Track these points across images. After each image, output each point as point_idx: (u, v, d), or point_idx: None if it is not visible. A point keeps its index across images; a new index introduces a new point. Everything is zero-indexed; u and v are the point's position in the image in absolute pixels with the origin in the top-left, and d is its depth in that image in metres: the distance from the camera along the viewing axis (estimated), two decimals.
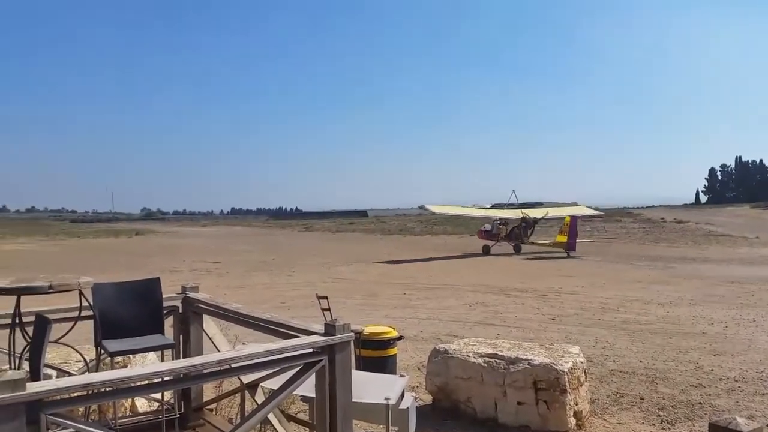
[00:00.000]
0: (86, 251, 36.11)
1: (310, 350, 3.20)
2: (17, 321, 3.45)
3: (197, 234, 61.47)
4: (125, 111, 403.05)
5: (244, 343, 5.27)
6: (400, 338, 6.14)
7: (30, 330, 3.34)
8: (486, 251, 29.71)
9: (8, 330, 3.50)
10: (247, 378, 3.91)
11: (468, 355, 5.73)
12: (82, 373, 4.28)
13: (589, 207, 39.86)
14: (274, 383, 3.54)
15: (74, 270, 19.26)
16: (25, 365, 3.28)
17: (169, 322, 4.59)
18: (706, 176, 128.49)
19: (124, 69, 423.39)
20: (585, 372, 5.73)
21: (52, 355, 4.83)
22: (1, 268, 23.30)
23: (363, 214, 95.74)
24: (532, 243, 30.21)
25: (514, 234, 30.57)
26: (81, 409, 4.04)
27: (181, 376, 3.07)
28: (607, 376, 7.23)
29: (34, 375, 2.94)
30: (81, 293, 3.70)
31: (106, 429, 3.71)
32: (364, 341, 5.72)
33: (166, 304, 4.46)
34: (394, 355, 6.02)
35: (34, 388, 2.27)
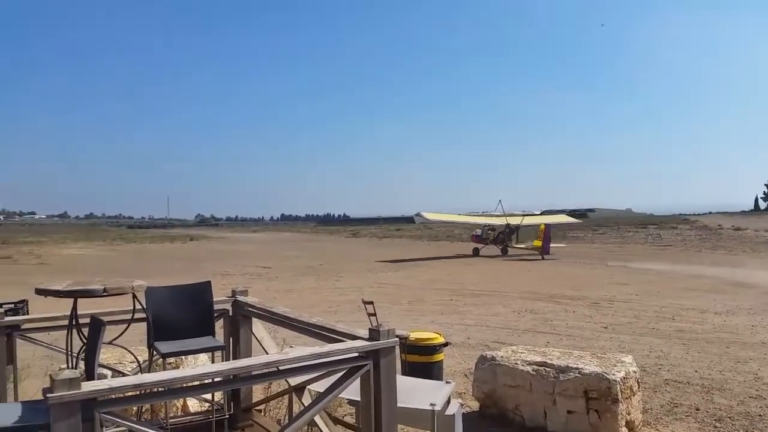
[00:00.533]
0: (142, 256, 37.22)
1: (355, 355, 3.21)
2: (74, 322, 3.58)
3: (248, 239, 62.63)
4: (180, 120, 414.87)
5: (291, 346, 5.33)
6: (446, 344, 6.10)
7: (86, 331, 3.45)
8: (476, 253, 33.85)
9: (66, 331, 3.63)
10: (294, 380, 3.95)
11: (516, 363, 5.64)
12: (135, 374, 4.41)
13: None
14: (321, 386, 3.57)
15: (130, 274, 19.89)
16: (82, 365, 3.39)
17: (219, 325, 4.67)
18: (766, 182, 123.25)
19: (179, 79, 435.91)
20: (638, 381, 5.57)
21: (107, 355, 4.99)
22: (62, 272, 24.27)
23: (410, 220, 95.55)
24: (513, 246, 34.23)
25: (499, 238, 34.73)
26: (134, 408, 4.15)
27: (231, 377, 3.12)
28: (661, 386, 7.01)
29: (89, 374, 3.03)
30: (134, 296, 3.81)
31: (157, 428, 3.81)
32: (410, 347, 5.70)
33: (216, 307, 4.55)
34: (441, 361, 5.97)
35: (88, 387, 2.35)
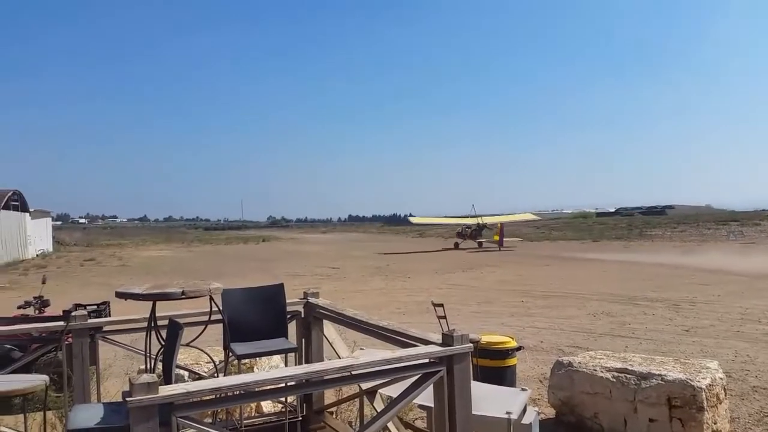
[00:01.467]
0: (218, 257, 38.42)
1: (428, 360, 3.14)
2: (153, 324, 3.66)
3: (317, 240, 63.61)
4: (253, 126, 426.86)
5: (361, 348, 5.32)
6: (519, 348, 5.94)
7: (164, 333, 3.53)
8: (456, 246, 42.17)
9: (145, 333, 3.72)
10: (365, 384, 3.92)
11: (595, 369, 5.43)
12: (211, 374, 4.50)
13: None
14: (393, 390, 3.52)
15: (207, 274, 20.51)
16: (160, 366, 3.47)
17: (292, 326, 4.71)
18: None
19: (250, 87, 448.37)
20: (725, 389, 5.25)
21: (184, 356, 5.12)
22: (142, 273, 25.33)
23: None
24: (483, 241, 42.32)
25: (474, 234, 43.61)
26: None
27: (304, 381, 3.12)
28: (748, 393, 6.61)
29: (167, 376, 3.09)
30: (211, 299, 3.87)
31: (232, 430, 3.86)
32: (481, 350, 5.58)
33: (289, 309, 4.59)
34: (514, 366, 5.82)
35: (165, 391, 2.38)
